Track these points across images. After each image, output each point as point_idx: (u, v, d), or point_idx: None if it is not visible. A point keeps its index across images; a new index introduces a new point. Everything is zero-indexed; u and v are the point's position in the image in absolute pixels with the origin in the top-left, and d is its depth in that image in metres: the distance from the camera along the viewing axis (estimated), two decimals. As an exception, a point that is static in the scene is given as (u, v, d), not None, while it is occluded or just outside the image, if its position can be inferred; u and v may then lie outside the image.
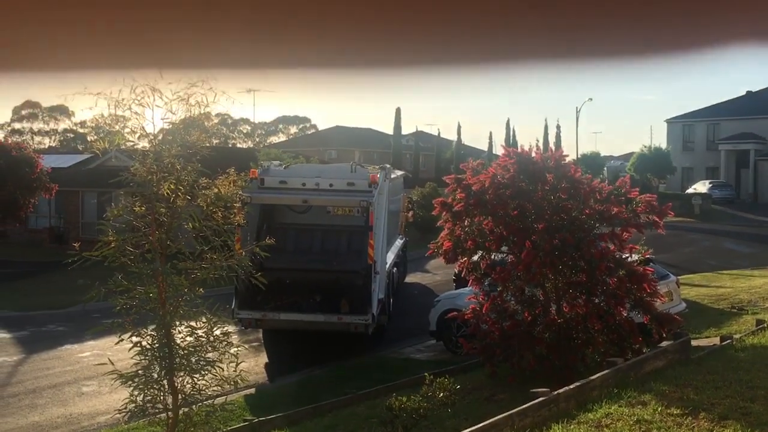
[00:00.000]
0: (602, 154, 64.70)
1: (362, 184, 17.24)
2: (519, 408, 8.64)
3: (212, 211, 8.54)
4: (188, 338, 8.38)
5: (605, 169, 60.07)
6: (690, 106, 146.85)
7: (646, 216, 12.43)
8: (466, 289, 14.79)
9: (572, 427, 8.36)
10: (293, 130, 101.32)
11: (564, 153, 13.16)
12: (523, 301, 12.32)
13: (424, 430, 9.87)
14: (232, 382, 8.60)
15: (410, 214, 28.21)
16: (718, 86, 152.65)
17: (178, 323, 8.36)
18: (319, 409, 12.55)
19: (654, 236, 13.14)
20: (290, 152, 45.75)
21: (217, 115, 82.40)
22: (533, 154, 12.78)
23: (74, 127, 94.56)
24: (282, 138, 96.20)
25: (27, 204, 33.03)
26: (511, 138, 68.39)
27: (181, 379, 8.40)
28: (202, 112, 8.53)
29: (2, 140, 37.56)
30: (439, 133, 74.55)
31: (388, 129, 69.64)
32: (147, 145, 8.61)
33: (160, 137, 8.53)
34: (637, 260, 12.61)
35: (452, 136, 70.93)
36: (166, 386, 8.38)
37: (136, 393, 8.25)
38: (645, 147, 55.44)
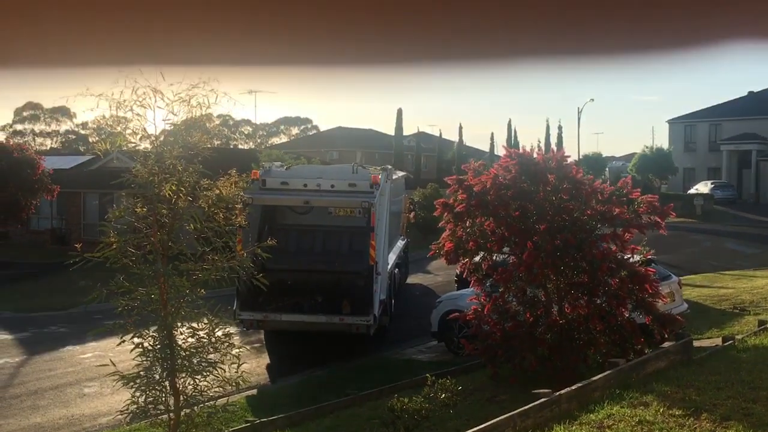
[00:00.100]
0: (604, 155, 64.65)
1: (364, 185, 17.24)
2: (521, 409, 8.64)
3: (214, 212, 8.54)
4: (190, 339, 8.39)
5: (607, 169, 60.03)
6: (692, 106, 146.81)
7: (648, 217, 12.43)
8: (468, 290, 14.79)
9: (574, 428, 8.35)
10: (295, 131, 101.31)
11: (566, 154, 13.16)
12: (524, 302, 12.31)
13: (425, 431, 9.87)
14: (233, 384, 8.60)
15: (412, 215, 28.18)
16: (719, 87, 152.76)
17: (179, 324, 8.37)
18: (320, 410, 12.55)
19: (656, 237, 13.13)
20: (292, 153, 45.74)
21: (219, 116, 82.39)
22: (535, 155, 12.79)
23: (76, 129, 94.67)
24: (283, 139, 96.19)
25: (29, 205, 33.05)
26: (513, 139, 68.34)
27: (182, 380, 8.41)
28: (204, 113, 8.55)
29: (4, 141, 37.64)
30: (440, 134, 74.55)
31: (390, 130, 69.68)
32: (148, 146, 8.63)
33: (161, 138, 8.54)
34: (638, 261, 12.61)
35: (454, 137, 70.98)
36: (168, 387, 8.38)
37: (137, 394, 8.26)
38: (647, 147, 55.44)
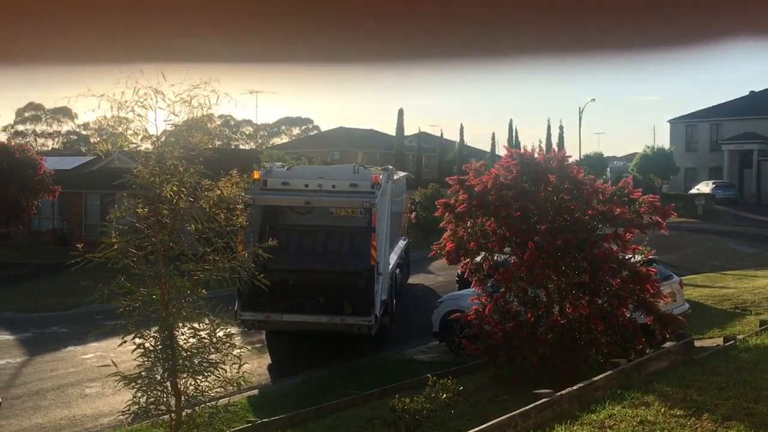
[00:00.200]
0: (605, 155, 64.55)
1: (365, 186, 17.25)
2: (522, 409, 8.64)
3: (215, 212, 8.55)
4: (191, 340, 8.40)
5: (608, 169, 60.00)
6: (693, 106, 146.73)
7: (649, 217, 12.42)
8: (469, 290, 14.78)
9: (575, 428, 8.35)
10: (296, 131, 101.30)
11: (567, 154, 13.17)
12: (526, 302, 12.31)
13: (427, 431, 9.87)
14: (235, 384, 8.61)
15: (413, 215, 28.18)
16: (721, 87, 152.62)
17: (181, 325, 8.38)
18: (322, 411, 12.55)
19: (657, 237, 13.13)
20: (293, 153, 45.76)
21: (220, 116, 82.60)
22: (536, 155, 12.79)
23: (77, 129, 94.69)
24: (285, 139, 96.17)
25: (30, 206, 33.06)
26: (514, 139, 68.28)
27: (184, 380, 8.42)
28: (205, 113, 8.56)
29: (5, 142, 37.65)
30: (441, 134, 74.47)
31: (391, 130, 69.65)
32: (150, 146, 8.64)
33: (162, 139, 8.56)
34: (640, 261, 12.61)
35: (455, 137, 70.83)
36: (169, 388, 8.39)
37: (139, 395, 8.27)
38: (648, 147, 55.43)
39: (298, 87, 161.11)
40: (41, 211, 36.71)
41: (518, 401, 9.78)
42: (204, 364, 8.39)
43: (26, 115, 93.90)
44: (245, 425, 11.61)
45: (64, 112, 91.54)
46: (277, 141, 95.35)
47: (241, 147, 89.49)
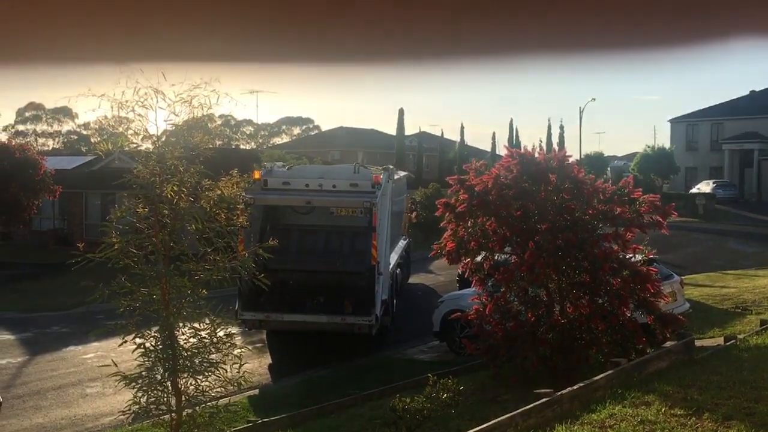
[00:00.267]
0: (605, 154, 64.48)
1: (365, 185, 17.25)
2: (523, 409, 8.65)
3: (215, 212, 8.55)
4: (192, 339, 8.40)
5: (609, 169, 59.98)
6: (693, 105, 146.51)
7: (650, 216, 12.43)
8: (470, 289, 14.78)
9: (576, 427, 8.35)
10: (296, 131, 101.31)
11: (567, 153, 13.18)
12: (526, 302, 12.31)
13: (427, 430, 9.87)
14: (235, 384, 8.61)
15: (413, 214, 28.19)
16: (721, 86, 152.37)
17: (181, 325, 8.38)
18: (322, 410, 12.55)
19: (658, 236, 13.13)
20: (293, 153, 45.74)
21: (221, 116, 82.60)
22: (536, 155, 12.79)
23: (78, 129, 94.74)
24: (285, 139, 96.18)
25: (31, 206, 33.08)
26: (515, 138, 68.24)
27: (184, 380, 8.42)
28: (205, 113, 8.56)
29: (6, 142, 37.64)
30: (442, 134, 74.41)
31: (392, 130, 69.59)
32: (150, 146, 8.64)
33: (163, 139, 8.55)
34: (640, 260, 12.60)
35: (455, 137, 70.79)
36: (170, 387, 8.39)
37: (139, 394, 8.27)
38: (648, 147, 55.42)
39: (299, 87, 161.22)
40: (42, 211, 36.72)
41: (519, 401, 9.78)
42: (204, 364, 8.39)
43: (27, 114, 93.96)
44: (246, 425, 11.61)
45: (65, 112, 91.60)
46: (277, 141, 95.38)
47: (242, 147, 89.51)
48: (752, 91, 65.06)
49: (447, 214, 12.97)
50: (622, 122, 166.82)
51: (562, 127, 71.38)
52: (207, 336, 8.42)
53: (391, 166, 21.01)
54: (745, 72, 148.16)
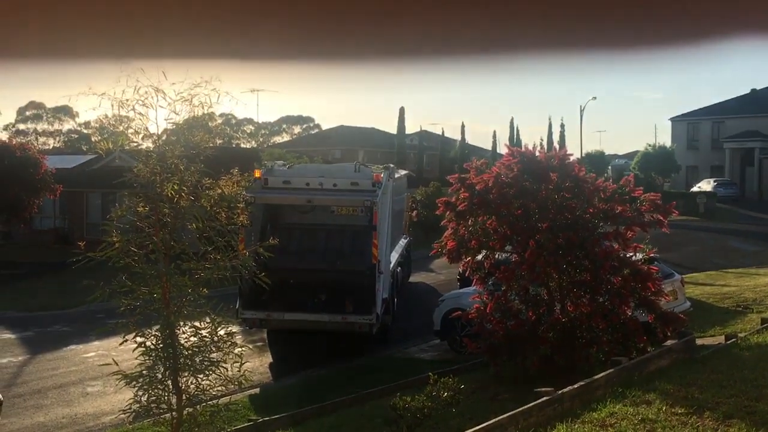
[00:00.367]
0: (606, 153, 64.53)
1: (366, 184, 17.24)
2: (523, 407, 8.65)
3: (216, 211, 8.54)
4: (192, 338, 8.39)
5: (609, 167, 60.01)
6: (695, 104, 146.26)
7: (651, 215, 12.42)
8: (471, 288, 14.78)
9: (577, 426, 8.35)
10: (297, 129, 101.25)
11: (568, 152, 13.18)
12: (527, 301, 12.31)
13: (428, 429, 9.87)
14: (236, 382, 8.61)
15: (414, 213, 28.19)
16: (722, 84, 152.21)
17: (182, 323, 8.37)
18: (323, 409, 12.56)
19: (658, 235, 13.11)
20: (294, 152, 45.74)
21: (221, 115, 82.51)
22: (537, 153, 12.79)
23: (78, 128, 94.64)
24: (286, 138, 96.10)
25: (31, 205, 33.06)
26: (515, 137, 68.21)
27: (185, 379, 8.42)
28: (206, 112, 8.55)
29: (7, 141, 37.64)
30: (443, 133, 74.36)
31: (392, 128, 69.55)
32: (151, 145, 8.63)
33: (163, 138, 8.55)
34: (641, 259, 12.60)
35: (456, 136, 70.72)
36: (171, 386, 8.39)
37: (140, 393, 8.26)
38: (649, 145, 55.40)
39: (299, 85, 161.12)
40: (42, 210, 36.70)
41: (520, 400, 9.77)
42: (205, 363, 8.39)
43: (27, 113, 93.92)
44: (246, 424, 11.62)
45: (65, 111, 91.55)
46: (278, 139, 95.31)
47: (242, 145, 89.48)
48: (753, 90, 65.00)
49: (448, 212, 12.97)
50: (623, 121, 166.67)
51: (563, 126, 71.40)
52: (208, 335, 8.42)
53: (392, 165, 20.99)
54: (747, 70, 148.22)
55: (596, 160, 53.43)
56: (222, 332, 8.51)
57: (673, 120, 64.82)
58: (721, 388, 9.54)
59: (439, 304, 17.10)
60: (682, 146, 60.55)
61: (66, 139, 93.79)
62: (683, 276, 17.91)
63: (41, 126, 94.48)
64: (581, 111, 63.35)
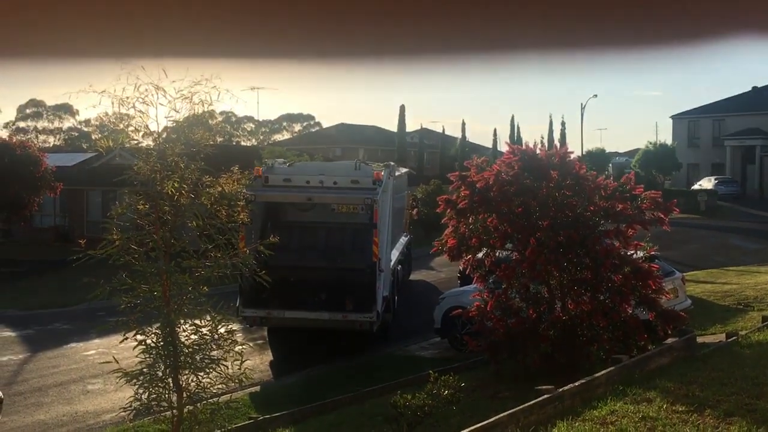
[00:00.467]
0: (607, 151, 64.50)
1: (366, 182, 17.23)
2: (524, 405, 8.63)
3: (216, 209, 8.54)
4: (193, 336, 8.39)
5: (610, 165, 59.95)
6: (695, 102, 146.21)
7: (651, 213, 12.41)
8: (471, 286, 14.78)
9: (577, 424, 8.34)
10: (297, 127, 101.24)
11: (568, 150, 13.14)
12: (527, 299, 12.30)
13: (428, 427, 9.86)
14: (236, 380, 8.61)
15: (415, 211, 28.18)
16: (723, 82, 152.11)
17: (182, 321, 8.37)
18: (323, 407, 12.56)
19: (659, 233, 13.10)
20: (294, 150, 45.65)
21: (221, 112, 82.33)
22: (538, 151, 12.77)
23: (78, 126, 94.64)
24: (286, 136, 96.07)
25: (32, 202, 33.08)
26: (516, 135, 68.21)
27: (185, 377, 8.42)
28: (206, 110, 8.54)
29: (7, 139, 37.68)
30: (443, 131, 74.46)
31: (393, 126, 69.57)
32: (151, 143, 8.62)
33: (164, 135, 8.54)
34: (642, 257, 12.58)
35: (457, 134, 70.80)
36: (171, 384, 8.39)
37: (141, 391, 8.27)
38: (650, 143, 55.37)
39: (300, 83, 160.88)
40: (43, 208, 36.72)
41: (520, 398, 9.76)
42: (206, 361, 8.39)
43: (27, 111, 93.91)
44: (247, 421, 11.63)
45: (66, 109, 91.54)
46: (278, 137, 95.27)
47: (243, 143, 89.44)
48: (754, 88, 64.91)
49: (448, 210, 12.95)
50: (624, 118, 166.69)
51: (563, 124, 71.48)
52: (208, 333, 8.42)
53: (392, 163, 20.99)
54: (747, 68, 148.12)
55: (597, 158, 53.42)
56: (222, 330, 8.50)
57: (674, 118, 64.76)
58: (721, 386, 9.53)
59: (439, 301, 17.10)
60: (683, 144, 60.51)
61: (66, 136, 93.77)
62: (684, 274, 17.90)
63: (41, 124, 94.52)
64: (582, 109, 63.35)
